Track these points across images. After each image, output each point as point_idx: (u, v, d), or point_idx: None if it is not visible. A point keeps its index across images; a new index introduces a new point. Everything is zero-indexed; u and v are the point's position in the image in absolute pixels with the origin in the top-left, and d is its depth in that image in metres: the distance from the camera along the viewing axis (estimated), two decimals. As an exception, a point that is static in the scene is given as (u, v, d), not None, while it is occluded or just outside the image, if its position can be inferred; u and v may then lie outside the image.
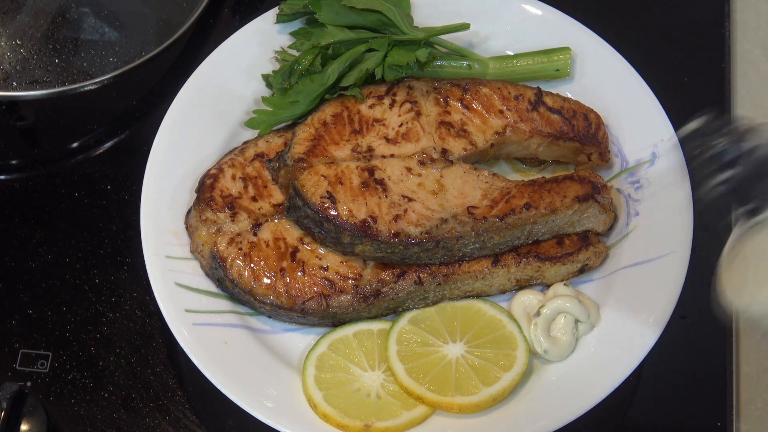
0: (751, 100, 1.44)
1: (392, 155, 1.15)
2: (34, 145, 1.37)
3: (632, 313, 1.12)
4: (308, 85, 1.20)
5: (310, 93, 1.19)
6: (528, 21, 1.31)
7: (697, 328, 1.21)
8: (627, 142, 1.24)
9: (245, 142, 1.21)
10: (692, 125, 0.95)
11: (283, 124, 1.23)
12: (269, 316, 1.14)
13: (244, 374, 1.08)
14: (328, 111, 1.18)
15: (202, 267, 1.15)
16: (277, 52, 1.27)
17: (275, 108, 1.21)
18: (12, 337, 1.19)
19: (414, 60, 1.20)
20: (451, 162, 1.15)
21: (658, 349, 1.09)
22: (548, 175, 1.20)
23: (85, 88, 1.30)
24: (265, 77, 1.26)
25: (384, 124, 1.17)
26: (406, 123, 1.17)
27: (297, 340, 1.14)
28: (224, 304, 1.14)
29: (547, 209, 1.13)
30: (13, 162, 1.34)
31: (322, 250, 1.13)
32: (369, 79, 1.22)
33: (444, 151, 1.16)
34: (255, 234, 1.13)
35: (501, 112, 1.20)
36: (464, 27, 1.27)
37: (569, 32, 1.30)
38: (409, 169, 1.14)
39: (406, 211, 1.11)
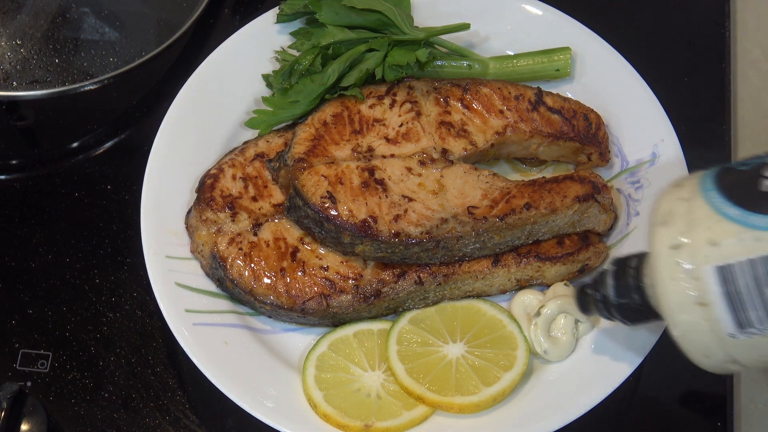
0: (751, 100, 1.44)
1: (392, 155, 1.15)
2: (34, 145, 1.37)
3: (632, 313, 1.12)
4: (308, 85, 1.20)
5: (310, 93, 1.19)
6: (528, 21, 1.31)
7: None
8: (627, 142, 1.24)
9: (245, 142, 1.21)
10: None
11: (283, 124, 1.23)
12: (269, 316, 1.14)
13: (244, 374, 1.08)
14: (328, 111, 1.18)
15: (202, 267, 1.15)
16: (277, 52, 1.27)
17: (275, 108, 1.21)
18: (12, 337, 1.19)
19: (414, 60, 1.20)
20: (452, 162, 1.15)
21: (658, 349, 1.09)
22: (548, 175, 1.20)
23: (85, 88, 1.30)
24: (265, 77, 1.26)
25: (384, 124, 1.17)
26: (407, 123, 1.17)
27: (297, 340, 1.14)
28: (224, 304, 1.14)
29: (548, 209, 1.14)
30: (13, 162, 1.34)
31: (322, 250, 1.13)
32: (369, 79, 1.22)
33: (444, 151, 1.16)
34: (255, 234, 1.13)
35: (501, 112, 1.20)
36: (464, 27, 1.27)
37: (569, 32, 1.30)
38: (409, 169, 1.14)
39: (406, 211, 1.11)
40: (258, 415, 1.06)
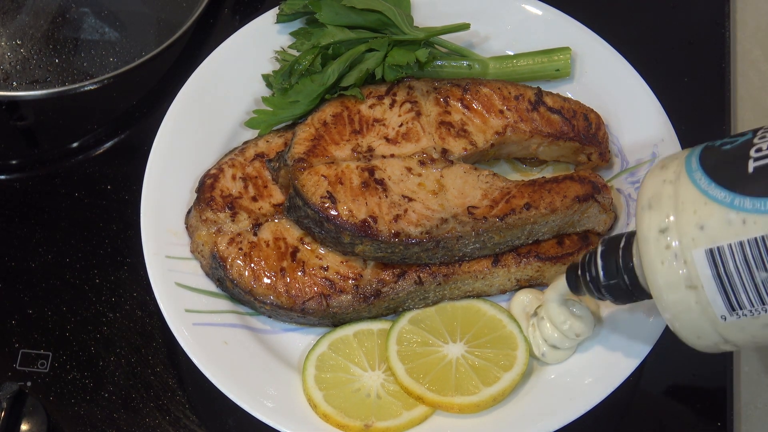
0: (751, 100, 1.44)
1: (392, 155, 1.15)
2: (34, 145, 1.37)
3: (632, 313, 1.12)
4: (308, 85, 1.20)
5: (310, 93, 1.19)
6: (528, 21, 1.31)
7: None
8: (627, 142, 1.24)
9: (245, 142, 1.21)
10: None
11: (283, 124, 1.23)
12: (269, 316, 1.14)
13: (244, 374, 1.08)
14: (328, 111, 1.18)
15: (202, 267, 1.15)
16: (277, 52, 1.27)
17: (275, 108, 1.21)
18: (12, 337, 1.19)
19: (414, 60, 1.20)
20: (452, 162, 1.15)
21: (658, 349, 1.09)
22: (548, 175, 1.20)
23: (85, 88, 1.30)
24: (265, 77, 1.26)
25: (384, 124, 1.17)
26: (407, 123, 1.17)
27: (297, 340, 1.14)
28: (224, 304, 1.14)
29: (547, 209, 1.14)
30: (13, 162, 1.34)
31: (322, 250, 1.13)
32: (369, 79, 1.22)
33: (444, 151, 1.16)
34: (255, 234, 1.13)
35: (501, 112, 1.20)
36: (464, 27, 1.27)
37: (569, 32, 1.30)
38: (409, 169, 1.14)
39: (406, 211, 1.11)
40: (258, 415, 1.06)
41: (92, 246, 1.26)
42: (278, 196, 1.17)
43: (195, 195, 1.17)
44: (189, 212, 1.17)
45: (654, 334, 1.10)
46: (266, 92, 1.26)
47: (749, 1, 1.50)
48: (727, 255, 0.86)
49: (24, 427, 1.11)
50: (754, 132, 0.90)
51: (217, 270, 1.13)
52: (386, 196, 1.12)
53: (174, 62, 1.40)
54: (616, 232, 1.20)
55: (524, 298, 1.14)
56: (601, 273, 0.99)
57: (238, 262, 1.12)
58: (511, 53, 1.30)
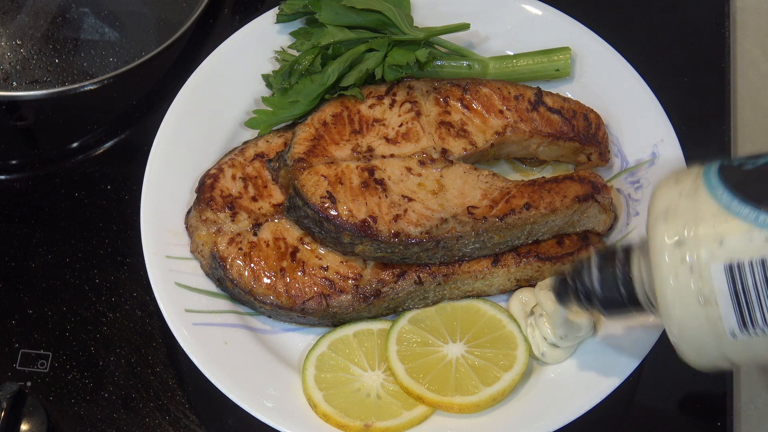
0: (751, 100, 1.44)
1: (392, 155, 1.15)
2: (34, 145, 1.37)
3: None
4: (308, 85, 1.20)
5: (310, 93, 1.19)
6: (528, 21, 1.31)
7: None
8: (627, 142, 1.24)
9: (245, 142, 1.21)
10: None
11: (283, 124, 1.23)
12: (269, 316, 1.14)
13: (244, 374, 1.08)
14: (328, 111, 1.18)
15: (202, 267, 1.15)
16: (277, 52, 1.27)
17: (275, 108, 1.21)
18: (12, 337, 1.19)
19: (414, 60, 1.20)
20: (451, 162, 1.15)
21: (658, 349, 1.09)
22: (548, 175, 1.20)
23: (85, 88, 1.30)
24: (265, 77, 1.26)
25: (384, 124, 1.17)
26: (406, 123, 1.17)
27: (297, 340, 1.14)
28: (224, 304, 1.14)
29: (547, 209, 1.14)
30: (13, 162, 1.34)
31: (322, 250, 1.13)
32: (369, 79, 1.22)
33: (444, 151, 1.16)
34: (255, 234, 1.13)
35: (501, 112, 1.20)
36: (464, 27, 1.27)
37: (569, 32, 1.30)
38: (409, 169, 1.14)
39: (406, 211, 1.11)
40: (258, 415, 1.06)
41: (92, 246, 1.26)
42: (278, 196, 1.17)
43: (195, 195, 1.17)
44: (189, 212, 1.17)
45: (654, 334, 1.09)
46: (266, 92, 1.26)
47: (749, 1, 1.50)
48: (747, 271, 0.85)
49: (24, 427, 1.11)
50: None
51: (217, 270, 1.13)
52: (386, 196, 1.12)
53: (174, 62, 1.40)
54: (615, 232, 1.20)
55: (523, 297, 1.14)
56: (596, 285, 0.97)
57: (238, 262, 1.12)
58: (511, 53, 1.30)
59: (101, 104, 1.38)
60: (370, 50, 1.21)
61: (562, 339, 1.09)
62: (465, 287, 1.15)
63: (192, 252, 1.15)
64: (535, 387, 1.10)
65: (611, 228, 1.20)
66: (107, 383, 1.17)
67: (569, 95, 1.27)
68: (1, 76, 1.32)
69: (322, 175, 1.12)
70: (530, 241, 1.16)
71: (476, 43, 1.31)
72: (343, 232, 1.10)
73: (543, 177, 1.18)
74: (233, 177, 1.17)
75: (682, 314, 0.89)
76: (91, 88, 1.30)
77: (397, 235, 1.10)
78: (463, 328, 1.12)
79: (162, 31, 1.37)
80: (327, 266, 1.12)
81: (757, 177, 0.88)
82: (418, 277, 1.12)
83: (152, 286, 1.12)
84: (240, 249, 1.12)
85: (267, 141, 1.20)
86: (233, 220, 1.14)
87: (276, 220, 1.15)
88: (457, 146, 1.17)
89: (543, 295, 1.10)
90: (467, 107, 1.20)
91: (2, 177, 1.33)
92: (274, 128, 1.23)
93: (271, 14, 1.30)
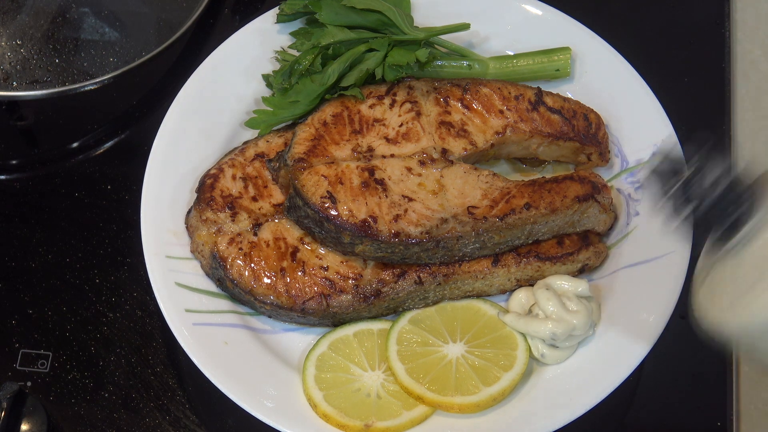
0: (751, 100, 1.44)
1: (392, 155, 1.15)
2: (34, 145, 1.37)
3: (632, 313, 1.12)
4: (308, 85, 1.20)
5: (310, 93, 1.19)
6: (528, 21, 1.31)
7: (697, 328, 1.21)
8: (627, 142, 1.24)
9: (245, 142, 1.21)
10: (657, 161, 0.96)
11: (283, 124, 1.23)
12: (269, 316, 1.14)
13: (244, 374, 1.08)
14: (328, 111, 1.18)
15: (202, 267, 1.15)
16: (277, 52, 1.27)
17: (275, 108, 1.21)
18: (12, 337, 1.19)
19: (414, 60, 1.20)
20: (452, 162, 1.15)
21: (658, 349, 1.09)
22: (548, 175, 1.20)
23: (85, 88, 1.30)
24: (265, 77, 1.26)
25: (384, 124, 1.17)
26: (407, 123, 1.17)
27: (297, 340, 1.14)
28: (224, 304, 1.14)
29: (547, 209, 1.14)
30: (13, 162, 1.34)
31: (322, 250, 1.13)
32: (369, 79, 1.22)
33: (444, 151, 1.16)
34: (255, 234, 1.13)
35: (501, 112, 1.20)
36: (464, 27, 1.27)
37: (569, 32, 1.30)
38: (409, 169, 1.14)
39: (406, 211, 1.11)
40: (258, 415, 1.06)
41: (92, 246, 1.26)
42: (278, 196, 1.17)
43: (195, 195, 1.17)
44: (189, 212, 1.17)
45: (654, 334, 1.10)
46: (266, 92, 1.26)
47: (749, 1, 1.50)
48: None
49: (24, 427, 1.11)
50: None
51: (217, 270, 1.13)
52: (386, 196, 1.12)
53: (174, 62, 1.40)
54: (616, 232, 1.20)
55: (522, 296, 1.14)
56: (717, 196, 0.90)
57: (238, 262, 1.12)
58: (511, 53, 1.30)
59: (101, 104, 1.38)
60: (371, 50, 1.21)
61: (561, 340, 1.09)
62: (465, 287, 1.15)
63: (192, 252, 1.15)
64: (535, 387, 1.10)
65: (611, 228, 1.20)
66: (107, 383, 1.17)
67: (569, 95, 1.27)
68: (1, 76, 1.32)
69: (322, 175, 1.12)
70: (530, 241, 1.16)
71: (476, 43, 1.31)
72: (344, 232, 1.10)
73: (543, 177, 1.18)
74: (233, 177, 1.17)
75: None
76: (91, 88, 1.30)
77: (397, 235, 1.10)
78: (463, 328, 1.12)
79: (162, 31, 1.37)
80: (327, 266, 1.12)
81: None
82: (419, 277, 1.12)
83: (152, 286, 1.12)
84: (240, 249, 1.12)
85: (267, 141, 1.20)
86: (233, 220, 1.14)
87: (276, 220, 1.15)
88: (457, 146, 1.17)
89: (542, 294, 1.11)
90: (467, 107, 1.20)
91: (2, 177, 1.33)
92: (274, 128, 1.23)
93: (271, 14, 1.29)
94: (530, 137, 1.20)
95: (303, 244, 1.13)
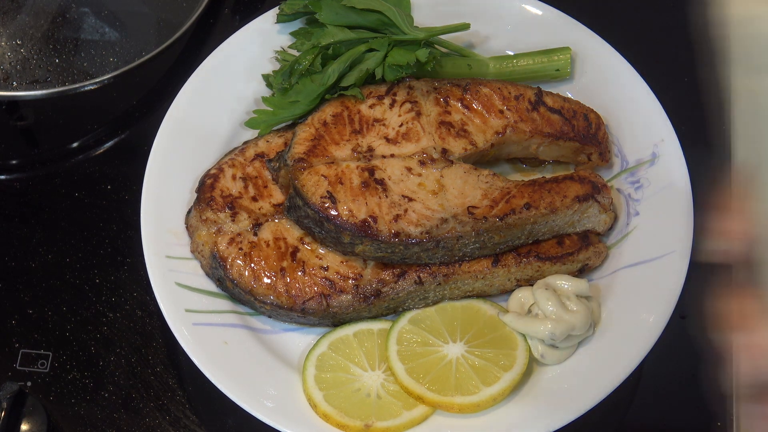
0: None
1: (392, 155, 1.15)
2: (34, 145, 1.37)
3: (632, 313, 1.12)
4: (308, 85, 1.20)
5: (310, 93, 1.19)
6: (528, 21, 1.31)
7: (697, 328, 1.21)
8: (627, 142, 1.24)
9: (245, 142, 1.21)
10: None
11: (283, 124, 1.23)
12: (269, 316, 1.14)
13: (244, 374, 1.08)
14: (328, 111, 1.18)
15: (202, 267, 1.15)
16: (277, 52, 1.27)
17: (275, 108, 1.21)
18: (12, 337, 1.19)
19: (414, 60, 1.20)
20: (452, 162, 1.15)
21: (658, 349, 1.09)
22: (548, 175, 1.20)
23: (85, 88, 1.30)
24: (265, 77, 1.26)
25: (384, 124, 1.17)
26: (407, 123, 1.17)
27: (297, 340, 1.14)
28: (224, 304, 1.14)
29: (548, 209, 1.14)
30: (13, 162, 1.34)
31: (322, 250, 1.13)
32: (369, 79, 1.22)
33: (444, 151, 1.16)
34: (255, 234, 1.13)
35: (501, 112, 1.20)
36: (464, 27, 1.27)
37: (569, 32, 1.30)
38: (409, 169, 1.14)
39: (406, 211, 1.11)
40: (258, 415, 1.06)
41: (92, 246, 1.26)
42: (278, 196, 1.17)
43: (195, 195, 1.17)
44: (189, 212, 1.17)
45: (654, 334, 1.09)
46: (266, 92, 1.26)
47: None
48: None
49: (24, 427, 1.11)
50: None
51: (217, 270, 1.13)
52: (386, 196, 1.12)
53: (174, 62, 1.40)
54: (615, 232, 1.20)
55: (521, 296, 1.14)
56: None
57: (238, 262, 1.12)
58: (511, 53, 1.30)
59: (101, 104, 1.38)
60: (371, 50, 1.21)
61: (560, 340, 1.09)
62: (465, 287, 1.15)
63: (192, 252, 1.15)
64: (535, 387, 1.10)
65: (611, 228, 1.20)
66: (107, 383, 1.17)
67: (569, 95, 1.27)
68: (1, 76, 1.32)
69: (322, 175, 1.12)
70: (530, 241, 1.16)
71: (476, 43, 1.31)
72: (344, 232, 1.10)
73: (543, 177, 1.18)
74: (233, 177, 1.17)
75: None
76: (91, 88, 1.30)
77: (397, 235, 1.10)
78: (463, 328, 1.12)
79: (162, 31, 1.37)
80: (327, 266, 1.12)
81: None
82: (419, 277, 1.12)
83: (152, 286, 1.12)
84: (240, 249, 1.12)
85: (267, 141, 1.20)
86: (233, 220, 1.14)
87: (276, 220, 1.15)
88: (457, 146, 1.17)
89: (541, 294, 1.11)
90: (467, 107, 1.20)
91: (2, 177, 1.33)
92: (274, 128, 1.23)
93: (271, 14, 1.29)
94: (530, 137, 1.20)
95: (303, 244, 1.13)
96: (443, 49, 1.27)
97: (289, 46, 1.27)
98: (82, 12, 1.39)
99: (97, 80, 1.30)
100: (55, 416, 1.14)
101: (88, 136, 1.36)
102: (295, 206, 1.13)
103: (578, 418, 1.06)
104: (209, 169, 1.18)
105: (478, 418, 1.07)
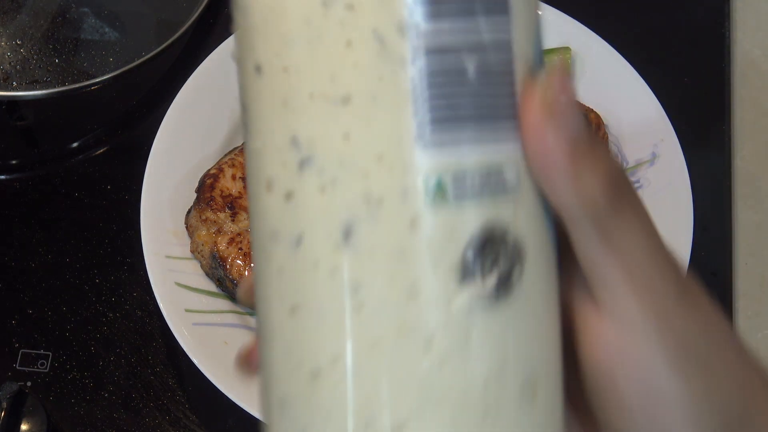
0: (751, 100, 1.44)
1: (392, 155, 1.15)
2: (34, 145, 1.37)
3: (632, 313, 1.12)
4: (308, 85, 1.19)
5: (310, 93, 1.19)
6: (528, 21, 1.31)
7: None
8: (627, 142, 1.24)
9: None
10: None
11: (283, 124, 1.23)
12: (269, 316, 1.14)
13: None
14: (328, 111, 1.18)
15: (202, 267, 1.15)
16: (277, 52, 1.27)
17: (275, 108, 1.21)
18: (12, 337, 1.19)
19: (414, 60, 1.20)
20: (451, 162, 1.15)
21: (658, 349, 1.09)
22: (548, 175, 1.20)
23: (85, 89, 1.30)
24: (265, 77, 1.26)
25: (384, 124, 1.17)
26: (406, 123, 1.17)
27: (297, 340, 1.13)
28: (224, 304, 1.14)
29: (547, 209, 1.13)
30: (13, 162, 1.34)
31: (322, 250, 1.13)
32: (369, 79, 1.22)
33: (444, 151, 1.16)
34: (255, 234, 1.13)
35: (501, 112, 1.20)
36: (464, 27, 1.27)
37: (569, 32, 1.30)
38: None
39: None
40: (258, 415, 1.06)
41: (92, 246, 1.26)
42: (278, 196, 1.17)
43: (195, 195, 1.17)
44: (189, 212, 1.17)
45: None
46: (266, 92, 1.26)
47: (749, 1, 1.50)
48: None
49: (24, 427, 1.10)
50: None
51: (217, 270, 1.13)
52: (386, 196, 1.11)
53: (174, 62, 1.40)
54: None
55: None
56: None
57: (238, 262, 1.12)
58: (511, 53, 1.30)
59: (101, 104, 1.37)
60: (370, 50, 1.21)
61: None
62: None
63: (192, 252, 1.15)
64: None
65: (611, 228, 1.19)
66: (107, 383, 1.17)
67: (569, 95, 1.27)
68: (1, 76, 1.32)
69: (322, 175, 1.12)
70: (530, 241, 1.15)
71: (476, 43, 1.31)
72: (343, 232, 1.10)
73: (543, 177, 1.18)
74: (233, 177, 1.17)
75: None
76: (92, 88, 1.30)
77: (397, 235, 1.09)
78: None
79: (162, 31, 1.36)
80: (327, 266, 1.12)
81: None
82: (418, 277, 1.12)
83: (152, 286, 1.12)
84: (240, 249, 1.12)
85: (267, 141, 1.20)
86: (233, 220, 1.14)
87: (276, 220, 1.15)
88: (457, 146, 1.17)
89: None
90: (467, 107, 1.19)
91: (2, 177, 1.33)
92: (274, 128, 1.23)
93: (271, 14, 1.29)
94: (530, 137, 1.20)
95: (303, 244, 1.13)
96: (443, 49, 1.27)
97: (289, 46, 1.27)
98: (82, 12, 1.39)
99: (97, 80, 1.30)
100: (55, 416, 1.14)
101: (88, 136, 1.35)
102: (295, 206, 1.12)
103: (578, 418, 1.06)
104: (209, 169, 1.18)
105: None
